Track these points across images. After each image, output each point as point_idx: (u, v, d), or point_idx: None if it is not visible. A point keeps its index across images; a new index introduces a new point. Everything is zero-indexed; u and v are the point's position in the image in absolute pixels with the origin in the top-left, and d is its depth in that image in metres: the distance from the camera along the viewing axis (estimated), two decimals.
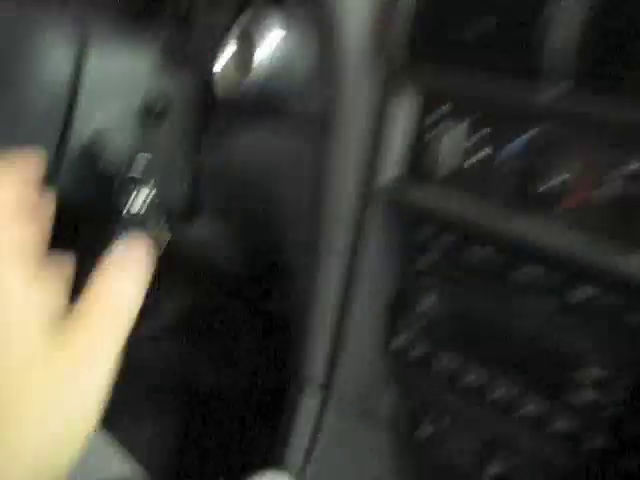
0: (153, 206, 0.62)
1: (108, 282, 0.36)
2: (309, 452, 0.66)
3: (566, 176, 0.49)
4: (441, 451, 0.64)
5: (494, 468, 0.60)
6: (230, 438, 1.09)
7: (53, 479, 0.33)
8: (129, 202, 0.61)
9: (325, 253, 0.64)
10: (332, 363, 0.65)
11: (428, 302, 0.61)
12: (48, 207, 0.41)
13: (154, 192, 0.62)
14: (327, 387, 0.66)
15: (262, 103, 0.66)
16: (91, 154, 0.66)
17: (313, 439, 0.66)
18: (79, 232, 0.68)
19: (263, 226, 0.74)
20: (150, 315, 1.13)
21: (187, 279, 1.06)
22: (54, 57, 0.64)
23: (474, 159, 0.54)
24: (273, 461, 0.67)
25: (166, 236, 0.63)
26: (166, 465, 1.08)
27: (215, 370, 1.15)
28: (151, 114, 0.70)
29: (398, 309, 0.64)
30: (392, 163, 0.59)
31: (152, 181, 0.62)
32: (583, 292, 0.51)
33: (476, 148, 0.54)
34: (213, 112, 0.74)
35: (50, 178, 0.64)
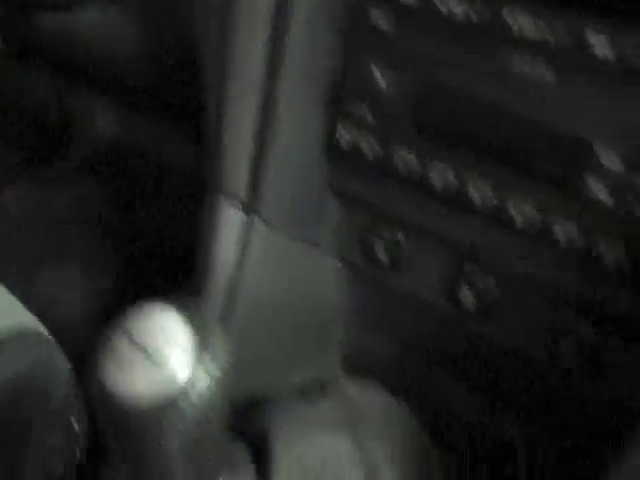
0: None
1: None
2: (232, 291, 0.54)
3: None
4: (402, 281, 0.54)
5: (470, 297, 0.51)
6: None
7: None
8: None
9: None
10: (255, 173, 0.52)
11: (383, 79, 0.48)
12: None
13: None
14: (250, 205, 0.53)
15: None
16: None
17: (235, 276, 0.54)
18: None
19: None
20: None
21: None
22: None
23: None
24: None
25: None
26: None
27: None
28: None
29: (341, 93, 0.51)
30: None
31: None
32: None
33: None
34: None
35: None
